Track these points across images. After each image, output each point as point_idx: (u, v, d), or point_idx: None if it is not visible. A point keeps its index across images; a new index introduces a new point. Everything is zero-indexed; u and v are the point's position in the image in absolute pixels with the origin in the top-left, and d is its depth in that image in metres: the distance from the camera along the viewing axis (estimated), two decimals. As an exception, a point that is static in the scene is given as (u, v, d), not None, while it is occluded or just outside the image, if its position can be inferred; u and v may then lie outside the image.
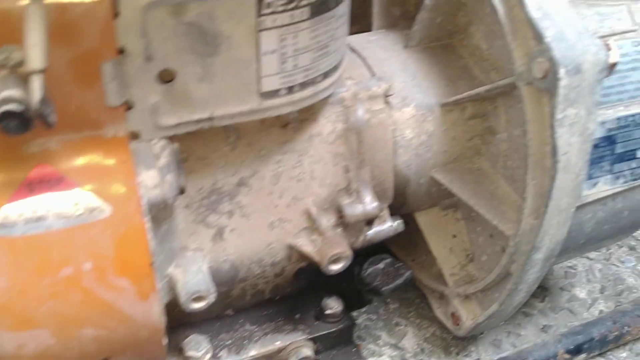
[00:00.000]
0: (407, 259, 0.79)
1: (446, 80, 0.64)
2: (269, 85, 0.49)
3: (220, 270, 0.58)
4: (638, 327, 0.75)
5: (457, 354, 0.75)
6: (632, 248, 0.90)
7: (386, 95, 0.59)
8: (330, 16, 0.49)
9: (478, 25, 0.63)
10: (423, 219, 0.72)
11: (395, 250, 0.81)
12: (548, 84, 0.51)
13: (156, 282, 0.46)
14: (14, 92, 0.39)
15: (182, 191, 0.50)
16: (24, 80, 0.39)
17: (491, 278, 0.64)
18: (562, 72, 0.50)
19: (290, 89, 0.50)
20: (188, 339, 0.59)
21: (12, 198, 0.43)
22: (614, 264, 0.87)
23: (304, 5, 0.46)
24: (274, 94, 0.49)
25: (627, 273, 0.86)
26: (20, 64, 0.40)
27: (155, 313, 0.47)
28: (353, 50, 0.65)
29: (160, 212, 0.49)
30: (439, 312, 0.74)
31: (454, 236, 0.72)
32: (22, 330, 0.43)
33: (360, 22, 0.77)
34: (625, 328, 0.74)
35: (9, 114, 0.39)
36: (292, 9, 0.46)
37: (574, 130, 0.52)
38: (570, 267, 0.86)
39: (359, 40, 0.67)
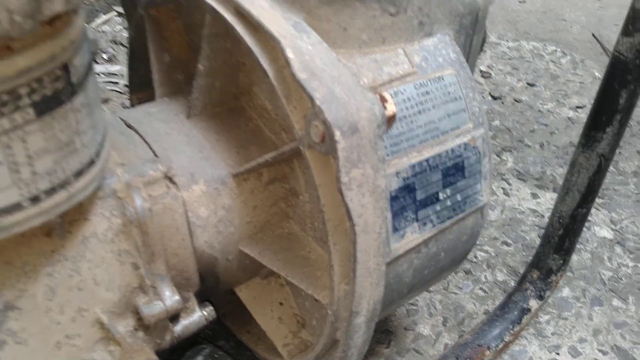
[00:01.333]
0: (242, 331, 0.74)
1: (237, 147, 0.59)
2: (4, 200, 0.41)
3: (4, 410, 0.49)
4: (480, 356, 0.74)
5: None
6: (467, 272, 0.90)
7: (168, 177, 0.53)
8: (66, 110, 0.42)
9: (260, 85, 0.59)
10: (244, 293, 0.66)
11: (230, 324, 0.75)
12: (327, 147, 0.47)
13: None
14: None
15: None
16: None
17: (320, 347, 0.60)
18: (337, 134, 0.46)
19: (35, 199, 0.42)
20: None
21: None
22: (453, 292, 0.86)
23: (26, 106, 0.39)
24: (15, 208, 0.42)
25: (466, 299, 0.86)
26: None
27: None
28: (130, 127, 0.59)
29: None
30: (280, 385, 0.69)
31: (281, 304, 0.67)
32: None
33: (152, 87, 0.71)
34: (468, 361, 0.73)
35: None
36: (11, 112, 0.39)
37: (364, 190, 0.49)
38: (411, 303, 0.84)
39: (137, 114, 0.61)
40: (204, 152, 0.58)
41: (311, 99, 0.47)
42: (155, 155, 0.56)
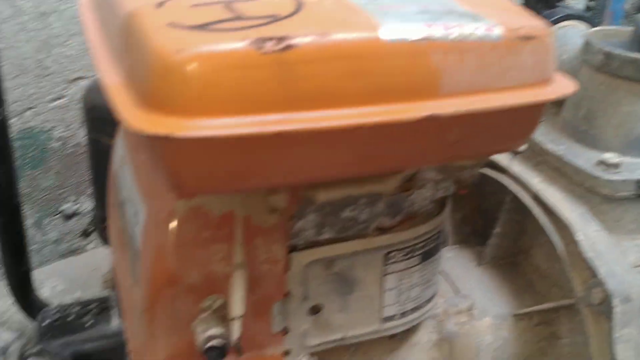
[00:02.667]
0: None
1: (514, 294, 0.78)
2: (388, 312, 0.63)
3: None
4: None
5: None
6: None
7: (469, 310, 0.73)
8: (435, 259, 0.64)
9: (538, 249, 0.78)
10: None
11: None
12: (605, 309, 0.65)
13: None
14: (216, 330, 0.54)
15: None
16: (223, 321, 0.54)
17: None
18: (616, 301, 0.64)
19: (403, 314, 0.64)
20: None
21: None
22: None
23: (417, 255, 0.62)
24: (391, 318, 0.64)
25: None
26: (220, 309, 0.55)
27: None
28: (436, 267, 0.80)
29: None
30: None
31: None
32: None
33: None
34: None
35: (213, 348, 0.53)
36: (408, 258, 0.61)
37: (629, 346, 0.65)
38: None
39: (440, 257, 0.82)
40: (490, 294, 0.78)
41: (596, 272, 0.65)
42: (459, 291, 0.76)
